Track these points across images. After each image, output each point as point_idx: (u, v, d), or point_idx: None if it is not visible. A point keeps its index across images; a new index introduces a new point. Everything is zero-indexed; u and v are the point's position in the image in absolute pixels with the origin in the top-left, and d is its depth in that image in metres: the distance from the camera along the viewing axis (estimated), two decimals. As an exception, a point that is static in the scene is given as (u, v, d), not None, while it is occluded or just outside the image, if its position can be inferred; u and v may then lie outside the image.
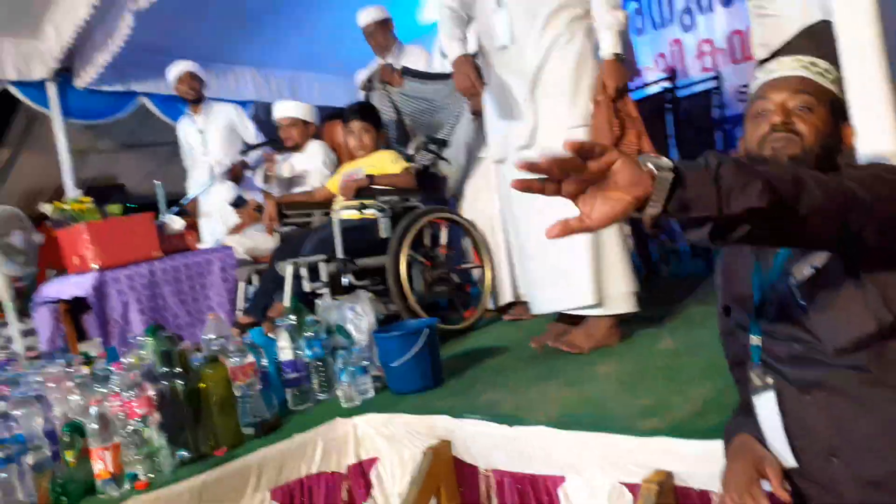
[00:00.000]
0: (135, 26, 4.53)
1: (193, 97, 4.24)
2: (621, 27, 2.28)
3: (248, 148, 3.83)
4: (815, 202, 0.85)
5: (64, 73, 5.32)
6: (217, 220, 4.05)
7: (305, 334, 2.36)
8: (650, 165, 0.79)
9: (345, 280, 2.84)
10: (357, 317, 2.42)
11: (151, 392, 1.81)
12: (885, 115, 1.20)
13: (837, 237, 0.91)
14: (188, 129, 4.35)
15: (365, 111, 3.36)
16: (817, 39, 1.25)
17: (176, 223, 3.24)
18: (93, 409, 1.69)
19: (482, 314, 3.11)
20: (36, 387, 2.11)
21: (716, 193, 0.78)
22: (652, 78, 5.05)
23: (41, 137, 5.91)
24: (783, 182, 0.84)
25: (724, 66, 4.87)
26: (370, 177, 3.00)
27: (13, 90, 5.13)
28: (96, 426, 1.68)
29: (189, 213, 4.19)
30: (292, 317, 2.44)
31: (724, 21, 4.87)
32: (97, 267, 2.78)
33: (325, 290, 2.77)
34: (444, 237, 3.10)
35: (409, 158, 3.23)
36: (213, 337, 2.33)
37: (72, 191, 5.28)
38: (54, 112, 5.28)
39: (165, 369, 1.93)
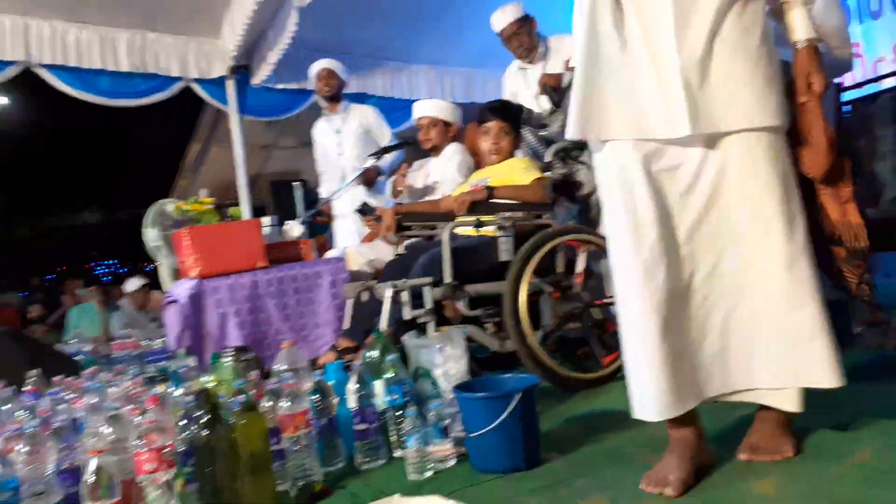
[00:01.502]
0: (305, 25, 4.50)
1: (328, 94, 4.06)
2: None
3: (382, 151, 3.54)
4: None
5: (242, 72, 5.50)
6: (350, 226, 3.83)
7: (385, 376, 1.97)
8: None
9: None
10: (446, 361, 1.98)
11: (164, 442, 1.52)
12: None
13: None
14: (324, 129, 4.18)
15: (505, 109, 2.91)
16: None
17: (295, 230, 3.03)
18: (92, 461, 1.43)
19: (625, 361, 2.52)
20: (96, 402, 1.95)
21: None
22: (885, 70, 4.04)
23: (228, 132, 6.20)
24: None
25: None
26: (489, 188, 2.55)
27: (196, 87, 5.37)
28: (91, 480, 1.42)
29: (325, 216, 4.02)
30: (373, 352, 2.07)
31: None
32: (194, 275, 2.63)
33: (430, 320, 2.37)
34: (581, 263, 2.55)
35: (546, 167, 2.72)
36: (285, 368, 2.04)
37: (243, 184, 5.45)
38: (231, 108, 5.46)
39: (198, 412, 1.63)
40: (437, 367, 1.99)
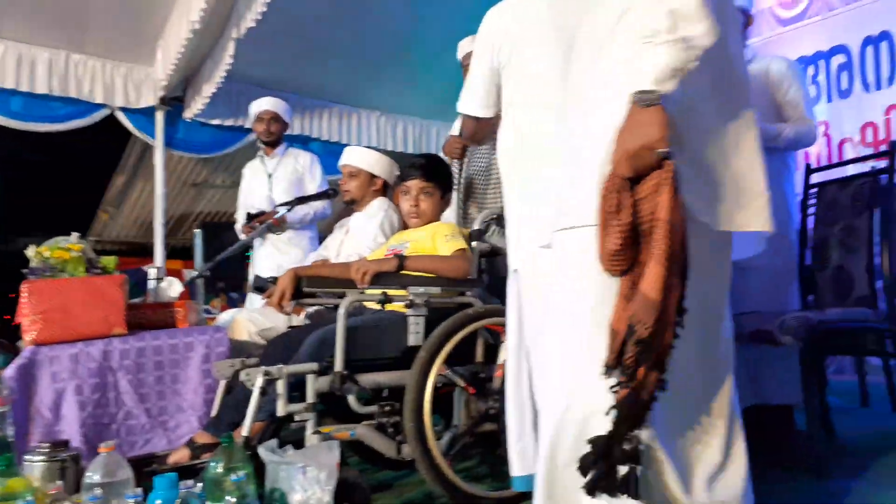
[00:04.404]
0: (246, 58, 4.16)
1: (267, 139, 3.71)
2: None
3: (296, 201, 3.11)
4: None
5: (177, 104, 5.09)
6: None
7: (227, 497, 1.51)
8: None
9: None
10: (308, 486, 1.52)
11: None
12: None
13: None
14: (257, 171, 3.80)
15: (430, 167, 2.52)
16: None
17: (172, 288, 2.55)
18: None
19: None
20: None
21: None
22: (852, 154, 3.81)
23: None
24: None
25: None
26: (399, 257, 2.14)
27: (121, 116, 4.94)
28: None
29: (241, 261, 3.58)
30: (216, 465, 1.60)
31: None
32: (29, 340, 2.13)
33: (309, 418, 1.90)
34: (504, 353, 2.14)
35: (478, 235, 2.33)
36: (96, 481, 1.56)
37: (160, 224, 4.96)
38: (157, 142, 5.05)
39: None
40: (295, 491, 1.53)
